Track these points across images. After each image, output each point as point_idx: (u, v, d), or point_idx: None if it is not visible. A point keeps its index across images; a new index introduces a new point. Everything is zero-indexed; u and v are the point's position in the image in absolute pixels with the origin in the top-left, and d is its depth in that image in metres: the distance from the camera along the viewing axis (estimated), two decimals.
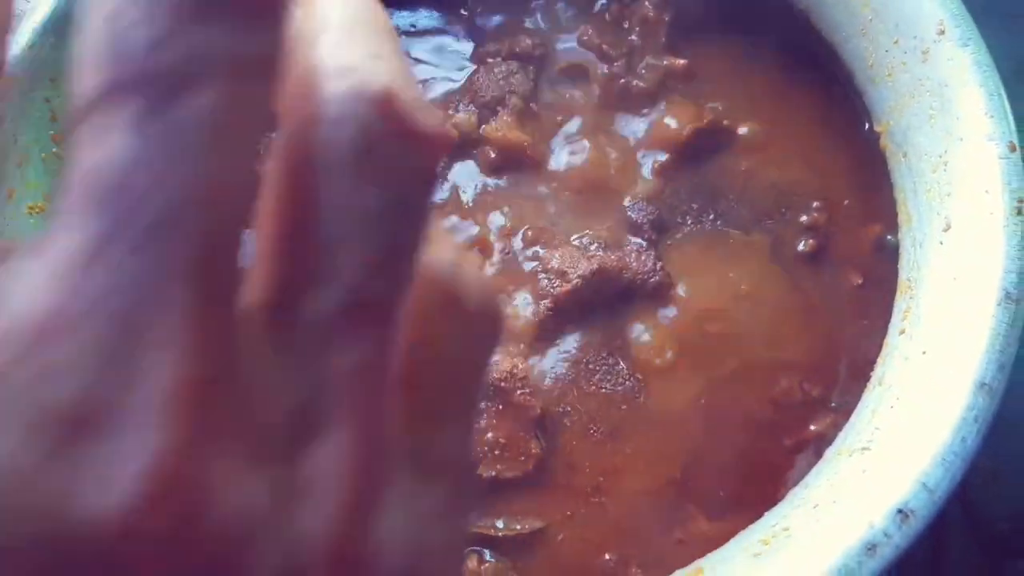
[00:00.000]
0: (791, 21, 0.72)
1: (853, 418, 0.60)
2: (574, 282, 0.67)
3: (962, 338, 0.56)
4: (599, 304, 0.68)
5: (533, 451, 0.63)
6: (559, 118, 0.74)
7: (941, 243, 0.60)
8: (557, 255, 0.68)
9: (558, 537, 0.62)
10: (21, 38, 0.63)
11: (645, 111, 0.74)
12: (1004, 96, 0.60)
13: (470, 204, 0.71)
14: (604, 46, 0.75)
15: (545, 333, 0.67)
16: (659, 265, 0.68)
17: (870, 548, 0.51)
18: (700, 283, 0.69)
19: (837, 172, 0.71)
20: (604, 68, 0.75)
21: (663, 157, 0.72)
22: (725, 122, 0.72)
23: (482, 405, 0.63)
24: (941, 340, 0.57)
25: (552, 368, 0.66)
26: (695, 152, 0.72)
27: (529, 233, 0.70)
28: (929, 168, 0.62)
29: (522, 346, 0.67)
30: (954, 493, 0.52)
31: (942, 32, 0.62)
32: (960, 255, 0.58)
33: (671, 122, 0.73)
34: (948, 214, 0.60)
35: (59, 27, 0.64)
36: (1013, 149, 0.59)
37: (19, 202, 0.61)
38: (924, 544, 0.76)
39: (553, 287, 0.67)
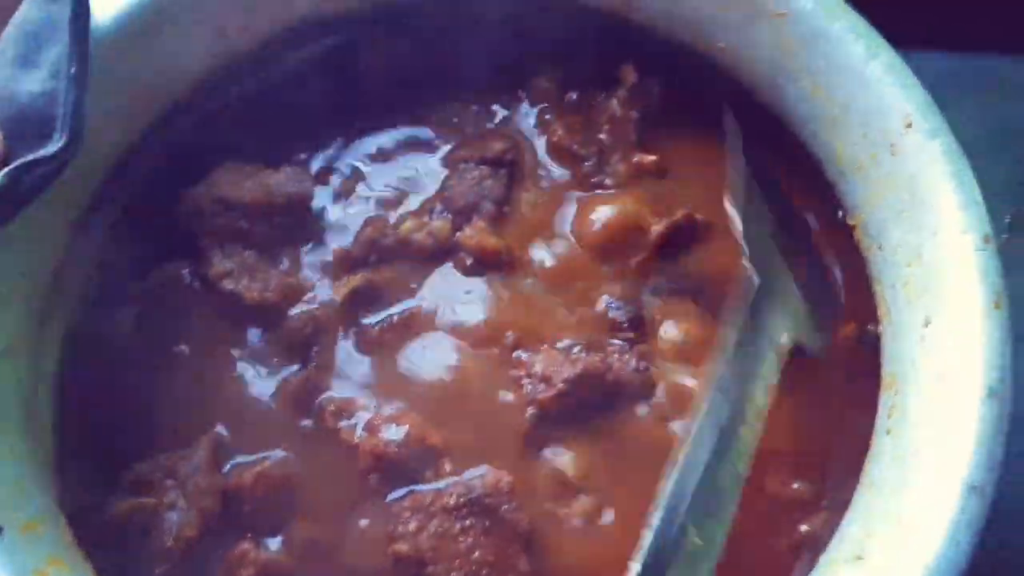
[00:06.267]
0: (756, 114, 0.72)
1: (845, 522, 0.59)
2: (559, 387, 0.66)
3: (949, 438, 0.55)
4: (586, 407, 0.67)
5: (522, 569, 0.61)
6: (533, 220, 0.74)
7: (922, 338, 0.59)
8: (540, 359, 0.67)
9: None
10: None
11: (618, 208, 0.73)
12: (976, 186, 0.60)
13: (449, 313, 0.71)
14: (575, 146, 0.75)
15: (533, 440, 0.66)
16: (643, 364, 0.67)
17: None
18: (686, 379, 0.68)
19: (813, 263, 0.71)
20: (575, 169, 0.75)
21: (640, 254, 0.71)
22: (699, 216, 0.72)
23: (467, 522, 0.62)
24: (928, 440, 0.56)
25: (541, 479, 0.65)
26: (670, 247, 0.72)
27: (510, 338, 0.69)
28: (904, 262, 0.62)
29: (509, 457, 0.66)
30: None
31: (909, 125, 0.62)
32: (941, 351, 0.58)
33: (645, 219, 0.72)
34: (927, 309, 0.60)
35: None
36: (988, 241, 0.59)
37: None
38: None
39: (538, 392, 0.66)
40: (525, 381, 0.67)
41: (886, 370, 0.63)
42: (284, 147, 0.76)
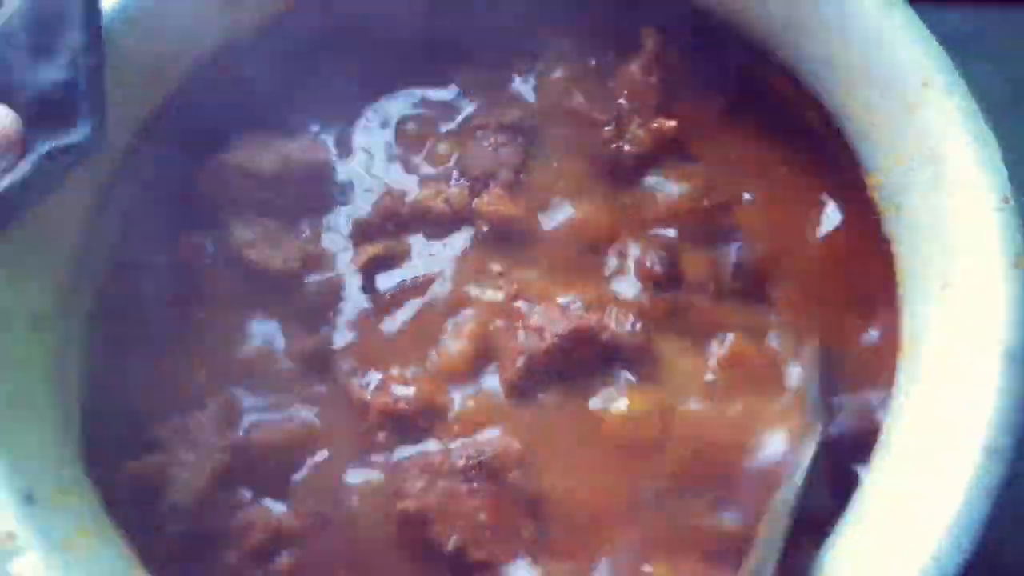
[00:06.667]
0: (775, 77, 0.71)
1: (863, 487, 0.59)
2: (549, 340, 0.65)
3: (968, 401, 0.54)
4: (578, 366, 0.66)
5: (526, 536, 0.61)
6: (551, 189, 0.73)
7: (940, 301, 0.59)
8: (538, 311, 0.67)
9: None
10: None
11: (642, 182, 0.73)
12: (995, 145, 0.59)
13: (465, 279, 0.71)
14: (594, 112, 0.74)
15: (522, 393, 0.66)
16: (638, 326, 0.66)
17: None
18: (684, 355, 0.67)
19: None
20: (594, 135, 0.74)
21: (663, 233, 0.71)
22: (724, 199, 0.71)
23: (475, 484, 0.62)
24: (946, 403, 0.56)
25: (542, 442, 0.64)
26: (696, 230, 0.71)
27: (515, 287, 0.69)
28: (923, 223, 0.61)
29: (505, 411, 0.66)
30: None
31: (926, 83, 0.61)
32: (960, 313, 0.57)
33: (671, 195, 0.72)
34: (945, 271, 0.59)
35: None
36: (1007, 201, 0.57)
37: None
38: None
39: (529, 344, 0.66)
40: (520, 331, 0.67)
41: (905, 335, 0.62)
42: (302, 115, 0.77)
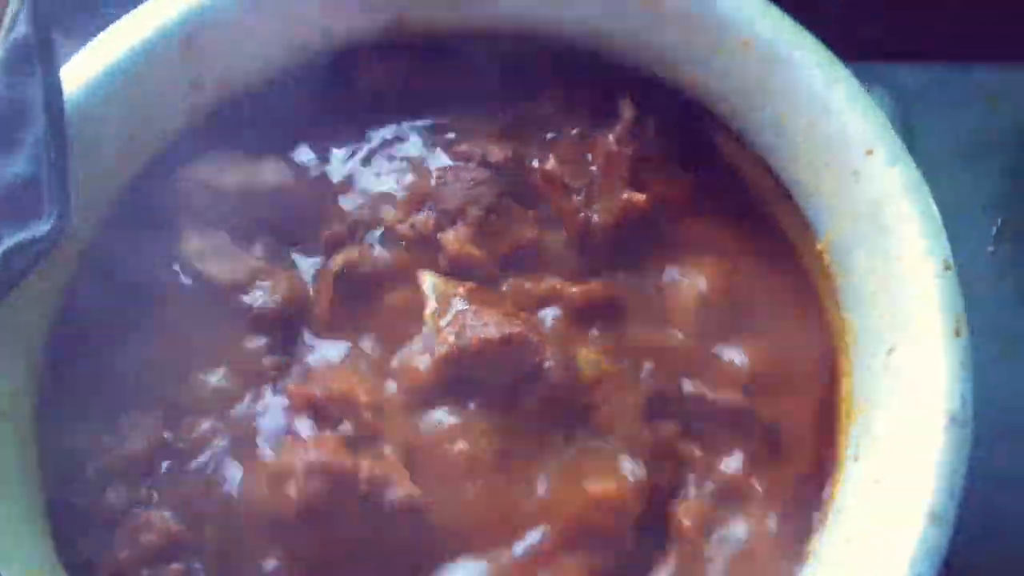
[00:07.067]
0: (733, 148, 0.73)
1: (819, 549, 0.60)
2: (484, 334, 0.64)
3: (912, 466, 0.56)
4: (498, 385, 0.65)
5: None
6: (517, 240, 0.72)
7: (886, 367, 0.60)
8: (487, 313, 0.65)
9: None
10: None
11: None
12: (936, 213, 0.61)
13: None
14: (565, 177, 0.74)
15: (440, 390, 0.65)
16: (573, 367, 0.65)
17: None
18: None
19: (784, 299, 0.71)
20: (564, 200, 0.74)
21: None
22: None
23: (368, 524, 0.60)
24: (892, 468, 0.57)
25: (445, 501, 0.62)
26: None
27: (462, 289, 0.68)
28: (869, 289, 0.63)
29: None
30: None
31: (870, 152, 0.63)
32: (904, 379, 0.59)
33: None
34: (890, 336, 0.61)
35: None
36: (948, 268, 0.59)
37: None
38: None
39: (466, 334, 0.64)
40: (463, 319, 0.65)
41: (855, 397, 0.63)
42: (273, 139, 0.76)
